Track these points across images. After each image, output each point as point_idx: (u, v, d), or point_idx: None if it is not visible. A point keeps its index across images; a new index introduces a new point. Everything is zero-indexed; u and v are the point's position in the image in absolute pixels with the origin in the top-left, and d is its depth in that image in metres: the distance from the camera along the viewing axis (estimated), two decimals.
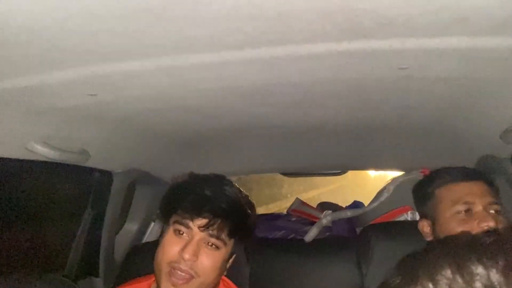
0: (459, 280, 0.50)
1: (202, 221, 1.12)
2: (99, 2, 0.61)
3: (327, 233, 2.00)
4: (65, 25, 0.68)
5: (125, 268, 1.70)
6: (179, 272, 1.11)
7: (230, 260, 1.24)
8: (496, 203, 1.27)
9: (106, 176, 1.64)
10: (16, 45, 0.74)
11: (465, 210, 1.25)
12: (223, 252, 1.16)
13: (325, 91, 1.11)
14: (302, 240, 1.93)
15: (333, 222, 2.01)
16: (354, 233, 2.09)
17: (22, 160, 1.20)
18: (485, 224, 1.19)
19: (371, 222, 1.91)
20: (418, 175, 1.92)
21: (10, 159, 1.17)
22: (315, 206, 2.48)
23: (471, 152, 1.59)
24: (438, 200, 1.32)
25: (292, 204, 2.37)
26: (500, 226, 1.17)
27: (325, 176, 3.66)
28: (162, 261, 1.14)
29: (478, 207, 1.24)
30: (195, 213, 1.13)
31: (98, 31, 0.71)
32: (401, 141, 1.69)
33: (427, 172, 1.90)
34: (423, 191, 1.39)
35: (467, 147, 1.55)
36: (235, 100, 1.17)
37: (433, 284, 0.52)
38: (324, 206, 2.37)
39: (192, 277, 1.12)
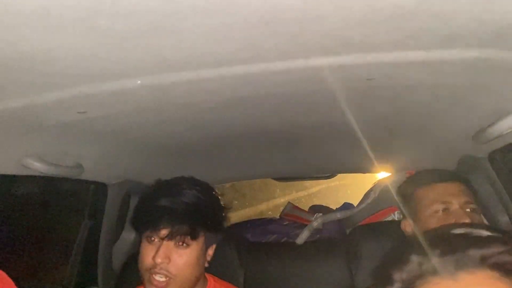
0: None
1: (164, 232, 1.21)
2: (83, 33, 0.68)
3: (318, 235, 2.06)
4: (53, 53, 0.74)
5: (123, 276, 1.75)
6: (157, 278, 1.20)
7: (210, 252, 1.31)
8: (472, 202, 1.33)
9: (101, 188, 1.69)
10: (8, 71, 0.80)
11: (442, 209, 1.31)
12: (195, 247, 1.24)
13: (304, 102, 1.17)
14: (294, 242, 1.98)
15: (323, 224, 2.06)
16: (343, 234, 2.14)
17: (19, 176, 1.26)
18: (461, 221, 1.25)
19: (360, 223, 1.96)
20: (404, 177, 1.98)
21: (6, 175, 1.23)
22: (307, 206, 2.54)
23: (451, 153, 1.64)
24: (418, 200, 1.38)
25: (284, 209, 2.42)
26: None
27: (314, 179, 3.71)
28: (142, 270, 1.23)
29: (455, 206, 1.31)
30: (155, 227, 1.22)
31: (83, 57, 0.77)
32: (387, 145, 1.74)
33: (412, 174, 1.96)
34: (404, 192, 1.46)
35: (447, 149, 1.60)
36: (218, 111, 1.22)
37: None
38: (316, 209, 2.41)
39: (169, 279, 1.20)
